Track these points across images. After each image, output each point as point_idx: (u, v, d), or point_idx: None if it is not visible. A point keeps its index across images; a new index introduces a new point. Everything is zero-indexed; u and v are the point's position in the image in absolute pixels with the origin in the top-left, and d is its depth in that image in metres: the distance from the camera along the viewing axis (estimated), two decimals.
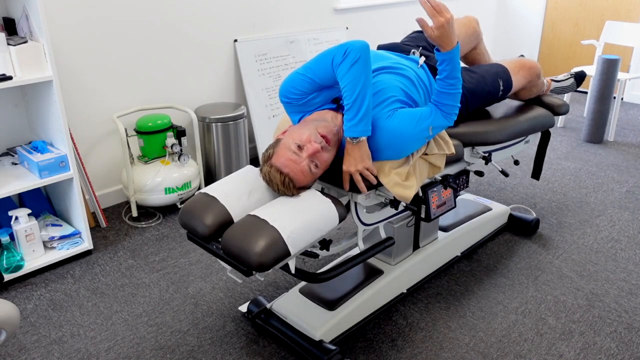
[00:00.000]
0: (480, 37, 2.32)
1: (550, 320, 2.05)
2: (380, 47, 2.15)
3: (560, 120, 4.27)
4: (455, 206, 2.10)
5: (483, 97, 2.16)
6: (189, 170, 2.88)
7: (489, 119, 2.22)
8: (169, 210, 2.94)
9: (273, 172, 1.63)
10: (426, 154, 1.86)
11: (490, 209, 2.59)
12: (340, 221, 1.67)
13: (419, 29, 2.24)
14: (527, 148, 3.78)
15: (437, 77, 1.72)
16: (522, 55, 2.37)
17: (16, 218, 2.34)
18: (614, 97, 4.59)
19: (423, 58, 1.98)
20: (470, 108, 2.16)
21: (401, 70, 1.86)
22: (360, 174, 1.67)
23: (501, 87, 2.15)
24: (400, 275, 2.11)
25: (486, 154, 2.22)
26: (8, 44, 2.16)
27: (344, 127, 1.65)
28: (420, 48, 2.08)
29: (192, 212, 1.69)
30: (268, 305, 2.00)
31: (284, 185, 1.62)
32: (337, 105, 1.78)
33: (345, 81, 1.61)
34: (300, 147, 1.61)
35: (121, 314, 2.11)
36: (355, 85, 1.60)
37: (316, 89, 1.73)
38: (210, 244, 1.69)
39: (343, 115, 1.75)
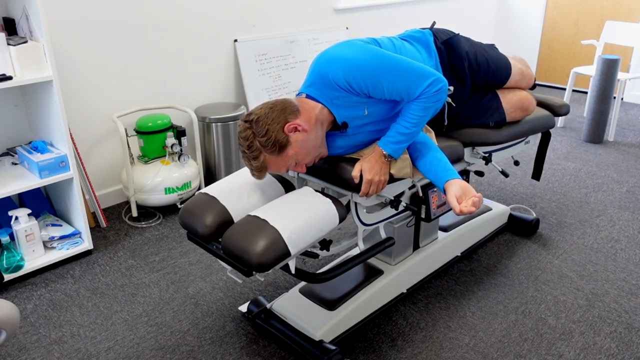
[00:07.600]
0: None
1: (550, 320, 2.05)
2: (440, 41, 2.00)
3: (560, 120, 4.27)
4: None
5: (469, 124, 2.13)
6: (189, 170, 2.88)
7: None
8: (169, 210, 2.94)
9: (262, 160, 1.59)
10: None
11: (490, 209, 2.59)
12: (340, 221, 1.67)
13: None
14: (528, 148, 3.79)
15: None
16: (533, 87, 2.27)
17: (16, 218, 2.34)
18: (614, 97, 4.59)
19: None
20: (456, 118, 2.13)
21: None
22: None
23: (491, 124, 2.13)
24: (400, 275, 2.11)
25: (486, 154, 2.22)
26: (8, 44, 2.16)
27: (386, 140, 1.70)
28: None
29: (192, 212, 1.69)
30: (268, 305, 2.00)
31: (256, 173, 1.63)
32: (340, 127, 1.73)
33: (417, 112, 1.67)
34: (295, 164, 1.65)
35: (121, 314, 2.11)
36: (421, 122, 1.69)
37: (355, 93, 1.67)
38: (210, 244, 1.69)
39: (333, 129, 1.75)
